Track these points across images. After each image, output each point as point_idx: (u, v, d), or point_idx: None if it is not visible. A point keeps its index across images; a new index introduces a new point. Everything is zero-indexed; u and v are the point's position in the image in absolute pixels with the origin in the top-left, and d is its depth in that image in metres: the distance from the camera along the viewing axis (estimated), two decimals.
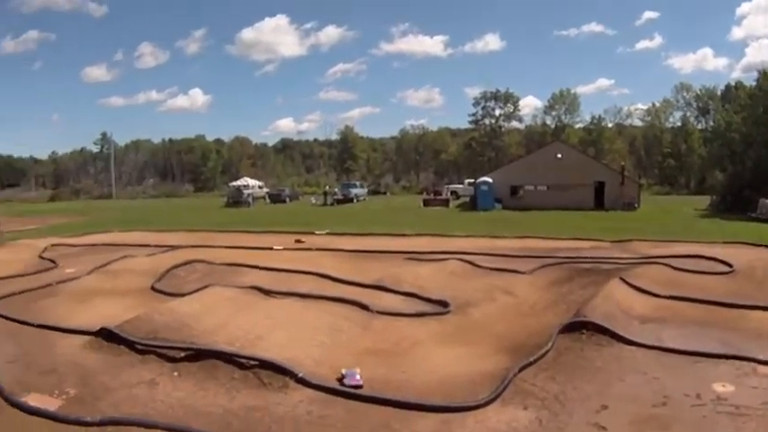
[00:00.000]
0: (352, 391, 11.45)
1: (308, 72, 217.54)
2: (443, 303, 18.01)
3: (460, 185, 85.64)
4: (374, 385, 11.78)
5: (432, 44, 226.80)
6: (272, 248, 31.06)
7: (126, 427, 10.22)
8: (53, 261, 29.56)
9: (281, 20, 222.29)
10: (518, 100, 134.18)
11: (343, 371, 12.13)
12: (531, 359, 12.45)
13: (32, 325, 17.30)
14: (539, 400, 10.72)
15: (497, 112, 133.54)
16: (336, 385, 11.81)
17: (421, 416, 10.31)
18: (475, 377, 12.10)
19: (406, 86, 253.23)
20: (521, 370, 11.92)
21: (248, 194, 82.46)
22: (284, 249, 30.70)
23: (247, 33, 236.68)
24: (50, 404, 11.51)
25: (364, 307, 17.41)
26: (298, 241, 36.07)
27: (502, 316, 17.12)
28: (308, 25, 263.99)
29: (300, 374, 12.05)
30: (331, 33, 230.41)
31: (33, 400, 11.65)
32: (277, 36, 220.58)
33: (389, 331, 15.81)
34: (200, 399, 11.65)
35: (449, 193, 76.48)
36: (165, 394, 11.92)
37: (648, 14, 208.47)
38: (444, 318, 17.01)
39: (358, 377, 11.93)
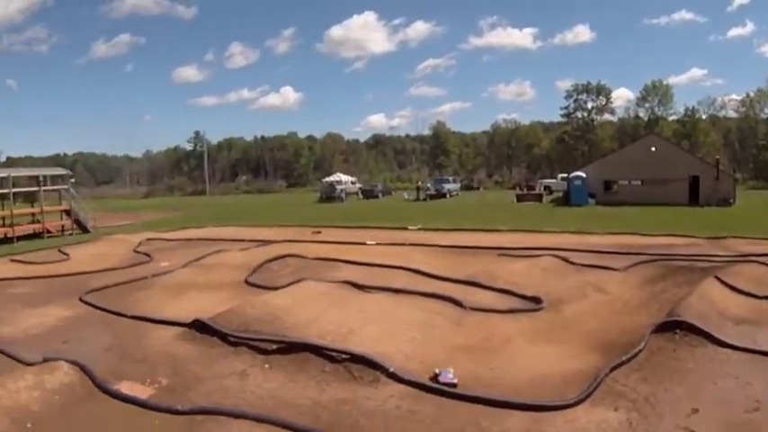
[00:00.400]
0: (442, 387, 11.36)
1: (397, 68, 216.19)
2: (536, 300, 17.78)
3: (554, 180, 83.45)
4: (465, 382, 11.69)
5: (521, 37, 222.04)
6: (364, 243, 31.06)
7: (215, 417, 10.38)
8: (148, 255, 30.40)
9: (370, 17, 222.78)
10: (610, 92, 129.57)
11: (436, 370, 12.03)
12: (623, 359, 12.18)
13: (127, 316, 17.79)
14: (629, 401, 10.48)
15: (589, 105, 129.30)
16: (427, 381, 11.72)
17: (510, 414, 10.18)
18: (566, 376, 11.92)
19: (497, 80, 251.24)
20: (612, 370, 11.68)
21: (341, 190, 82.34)
22: (377, 244, 30.64)
23: (336, 31, 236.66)
24: (142, 392, 11.78)
25: (457, 303, 17.26)
26: (316, 232, 37.93)
27: (594, 313, 16.80)
28: (397, 21, 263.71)
29: (391, 369, 12.02)
30: (419, 29, 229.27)
31: (126, 388, 11.94)
32: (366, 33, 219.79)
33: (482, 327, 15.64)
34: (290, 391, 11.73)
35: (542, 189, 75.30)
36: (255, 385, 12.06)
37: (739, 0, 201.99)
38: (536, 315, 16.78)
39: (451, 375, 11.84)
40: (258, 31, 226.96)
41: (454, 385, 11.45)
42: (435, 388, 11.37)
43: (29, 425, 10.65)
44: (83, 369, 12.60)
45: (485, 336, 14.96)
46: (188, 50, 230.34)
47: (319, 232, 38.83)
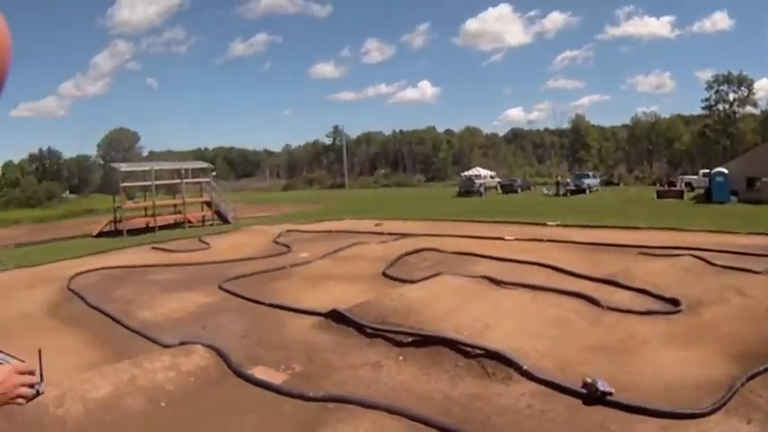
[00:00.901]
0: (574, 387, 11.13)
1: (534, 60, 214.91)
2: (674, 302, 17.07)
3: (694, 176, 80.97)
4: None
5: (658, 25, 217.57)
6: (503, 238, 30.92)
7: (346, 405, 10.49)
8: (287, 246, 31.14)
9: (505, 9, 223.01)
10: (752, 83, 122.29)
11: (588, 379, 11.72)
12: (761, 368, 11.55)
13: (265, 304, 18.23)
14: (764, 413, 9.98)
15: (731, 97, 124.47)
16: (559, 380, 11.50)
17: (640, 419, 9.90)
18: (700, 383, 11.42)
19: (636, 72, 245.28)
20: (749, 379, 11.11)
21: (480, 184, 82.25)
22: (515, 240, 30.45)
23: (471, 24, 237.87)
24: (275, 378, 12.07)
25: (594, 302, 16.82)
26: (378, 224, 39.36)
27: (734, 318, 15.94)
28: (532, 13, 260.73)
29: (525, 367, 11.86)
30: (556, 19, 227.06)
31: (260, 373, 12.27)
32: (502, 25, 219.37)
33: (617, 328, 15.20)
34: (423, 384, 11.73)
35: (683, 185, 73.41)
36: (388, 377, 12.12)
37: None
38: (674, 317, 16.08)
39: (607, 384, 11.55)
40: (393, 27, 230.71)
41: (611, 394, 11.19)
42: (567, 388, 11.16)
43: (162, 404, 11.11)
44: (218, 353, 13.05)
45: (620, 337, 14.55)
46: (324, 47, 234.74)
47: (381, 224, 40.00)
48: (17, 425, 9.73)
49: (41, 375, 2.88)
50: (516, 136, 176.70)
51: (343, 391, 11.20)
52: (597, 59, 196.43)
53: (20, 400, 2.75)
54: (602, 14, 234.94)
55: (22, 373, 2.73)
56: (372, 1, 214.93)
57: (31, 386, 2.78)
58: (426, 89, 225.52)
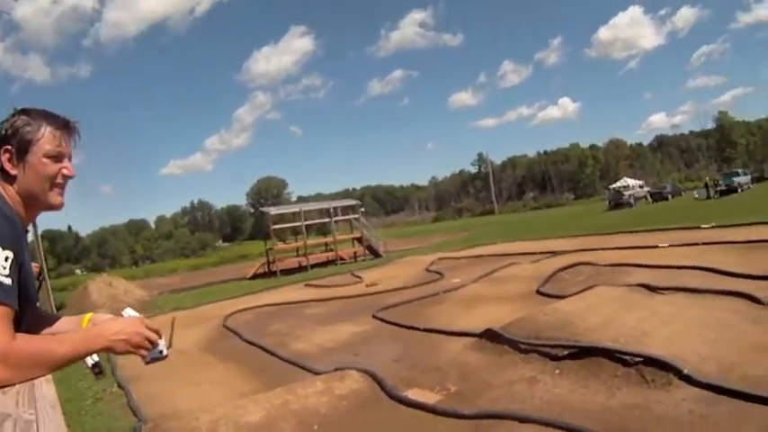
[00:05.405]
0: (740, 389, 10.67)
1: (671, 61, 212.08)
2: None
3: None
4: (762, 383, 10.69)
5: None
6: (657, 246, 30.19)
7: (501, 421, 10.35)
8: (440, 273, 31.26)
9: (635, 11, 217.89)
10: None
11: None
12: None
13: (419, 329, 18.30)
14: None
15: None
16: (721, 382, 10.91)
17: None
18: None
19: None
20: None
21: (629, 195, 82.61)
22: (669, 246, 29.54)
23: (603, 33, 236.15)
24: (430, 398, 12.00)
25: (755, 299, 16.03)
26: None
27: None
28: (662, 11, 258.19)
29: (685, 371, 11.42)
30: (686, 15, 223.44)
31: (414, 395, 12.23)
32: (634, 29, 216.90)
33: None
34: (580, 396, 11.48)
35: None
36: (544, 391, 11.90)
37: None
38: None
39: None
40: (526, 46, 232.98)
41: None
42: (732, 390, 10.62)
43: (315, 426, 11.24)
44: (372, 376, 13.13)
45: None
46: (460, 76, 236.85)
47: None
48: None
49: (170, 342, 3.25)
50: (661, 143, 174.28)
51: (498, 407, 11.08)
52: (733, 51, 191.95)
53: (143, 352, 3.00)
54: (732, 1, 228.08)
55: (149, 329, 3.01)
56: (501, 22, 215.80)
57: (155, 347, 3.09)
58: (567, 106, 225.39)
